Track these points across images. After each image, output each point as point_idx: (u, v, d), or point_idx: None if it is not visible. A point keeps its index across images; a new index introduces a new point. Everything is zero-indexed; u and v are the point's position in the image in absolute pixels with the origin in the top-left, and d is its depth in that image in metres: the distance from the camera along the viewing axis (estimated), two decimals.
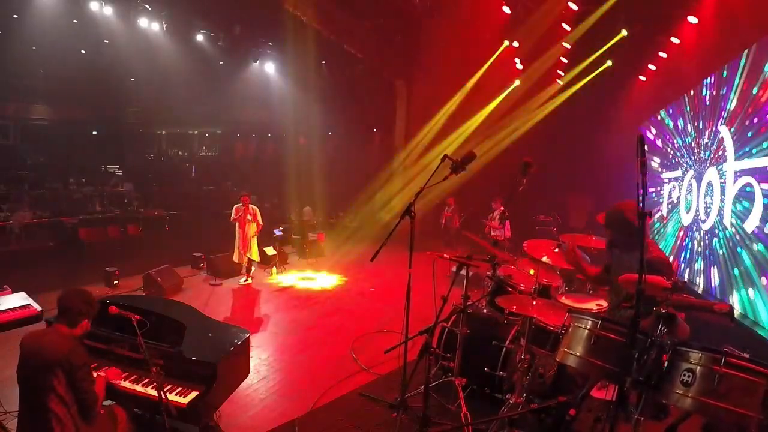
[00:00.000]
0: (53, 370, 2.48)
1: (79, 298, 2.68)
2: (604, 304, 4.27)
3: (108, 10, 10.05)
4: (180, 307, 3.78)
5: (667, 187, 9.45)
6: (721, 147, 6.47)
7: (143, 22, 10.52)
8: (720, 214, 6.42)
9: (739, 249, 5.76)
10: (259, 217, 8.40)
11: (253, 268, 8.68)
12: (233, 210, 8.31)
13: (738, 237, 5.79)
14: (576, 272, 4.09)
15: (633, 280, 2.25)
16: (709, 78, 7.18)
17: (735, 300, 5.80)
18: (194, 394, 2.97)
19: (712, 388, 2.07)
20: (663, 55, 8.96)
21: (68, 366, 2.49)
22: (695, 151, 7.70)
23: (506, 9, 9.55)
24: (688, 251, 7.75)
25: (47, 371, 2.49)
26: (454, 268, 3.74)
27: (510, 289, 4.28)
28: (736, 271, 5.82)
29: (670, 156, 9.27)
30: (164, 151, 26.33)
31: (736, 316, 2.30)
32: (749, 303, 5.44)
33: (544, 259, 3.63)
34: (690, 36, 7.89)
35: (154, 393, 2.83)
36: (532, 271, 4.34)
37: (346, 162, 16.66)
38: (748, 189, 5.59)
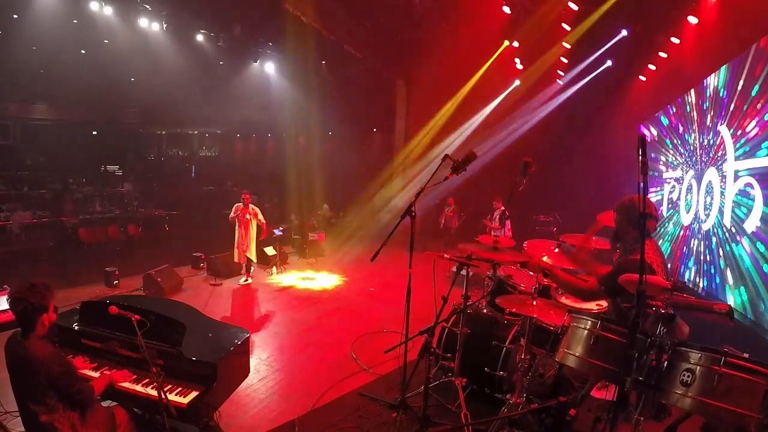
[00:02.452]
0: (36, 382, 2.43)
1: (27, 297, 2.46)
2: (604, 304, 4.27)
3: (108, 10, 10.07)
4: (180, 307, 3.77)
5: (667, 187, 9.45)
6: (721, 147, 6.46)
7: (143, 22, 10.53)
8: (720, 214, 6.42)
9: (738, 249, 5.75)
10: (260, 216, 8.37)
11: (252, 268, 8.67)
12: (233, 208, 8.29)
13: (738, 237, 5.79)
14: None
15: (633, 280, 2.25)
16: (708, 78, 7.18)
17: (734, 300, 5.80)
18: (194, 394, 2.96)
19: (712, 388, 2.06)
20: (663, 55, 8.95)
21: (47, 376, 2.42)
22: (695, 151, 7.70)
23: (506, 9, 9.55)
24: (688, 251, 7.75)
25: (30, 384, 2.44)
26: (454, 268, 3.74)
27: (510, 289, 4.28)
28: (735, 271, 5.81)
29: (670, 156, 9.26)
30: (164, 151, 26.32)
31: (735, 315, 2.30)
32: (749, 303, 5.44)
33: (545, 259, 3.63)
34: (690, 36, 7.89)
35: (154, 393, 2.82)
36: (532, 271, 4.34)
37: (346, 162, 16.66)
38: (748, 189, 5.58)
